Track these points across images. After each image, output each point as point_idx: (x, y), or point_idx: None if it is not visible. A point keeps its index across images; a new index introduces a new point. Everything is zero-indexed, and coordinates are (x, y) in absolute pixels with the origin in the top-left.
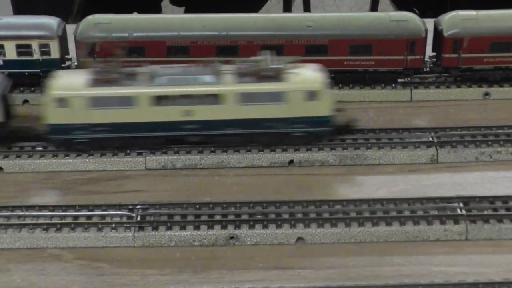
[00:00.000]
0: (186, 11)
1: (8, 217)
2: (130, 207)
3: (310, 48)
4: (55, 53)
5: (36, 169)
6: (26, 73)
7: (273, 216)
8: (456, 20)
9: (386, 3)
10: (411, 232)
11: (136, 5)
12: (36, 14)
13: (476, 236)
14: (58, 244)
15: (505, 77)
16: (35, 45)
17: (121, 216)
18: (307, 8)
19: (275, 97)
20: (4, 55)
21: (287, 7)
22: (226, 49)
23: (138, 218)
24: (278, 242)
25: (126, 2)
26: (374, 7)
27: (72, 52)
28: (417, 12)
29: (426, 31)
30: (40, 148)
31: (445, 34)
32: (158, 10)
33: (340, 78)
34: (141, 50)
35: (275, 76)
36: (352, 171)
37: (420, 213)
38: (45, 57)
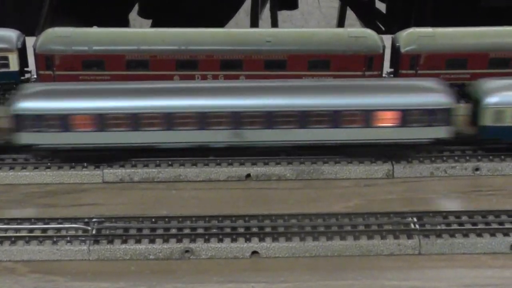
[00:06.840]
0: (153, 24)
1: None
2: (86, 220)
3: (269, 63)
4: (14, 66)
5: None
6: None
7: (228, 230)
8: (413, 37)
9: (353, 18)
10: (365, 247)
11: (104, 17)
12: (3, 26)
13: (429, 251)
14: (13, 257)
15: (461, 94)
16: None
17: (76, 229)
18: (274, 22)
19: None
20: None
21: (255, 21)
22: (186, 63)
23: (94, 232)
24: (233, 256)
25: (94, 14)
26: (341, 22)
27: (32, 65)
28: (382, 27)
29: (384, 47)
30: None
31: (402, 50)
32: (126, 22)
33: None
34: (101, 63)
35: None
36: (309, 186)
37: (374, 227)
38: (3, 70)
